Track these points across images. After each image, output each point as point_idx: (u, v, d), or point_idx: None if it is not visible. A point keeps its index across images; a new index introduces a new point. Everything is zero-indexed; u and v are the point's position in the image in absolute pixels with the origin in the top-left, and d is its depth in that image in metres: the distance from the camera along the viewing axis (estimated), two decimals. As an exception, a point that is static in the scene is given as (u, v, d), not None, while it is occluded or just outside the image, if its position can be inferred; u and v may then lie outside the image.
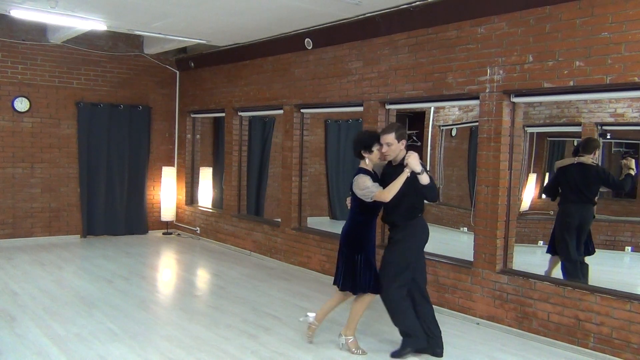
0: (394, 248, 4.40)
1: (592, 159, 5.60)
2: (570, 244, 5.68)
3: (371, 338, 4.88)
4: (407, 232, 4.36)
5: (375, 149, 4.31)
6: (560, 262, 5.80)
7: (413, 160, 4.09)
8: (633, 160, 5.80)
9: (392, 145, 4.25)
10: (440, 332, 4.48)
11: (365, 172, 4.32)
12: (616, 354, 4.39)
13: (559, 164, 5.85)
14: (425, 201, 4.40)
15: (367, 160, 4.33)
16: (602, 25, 4.42)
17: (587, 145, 5.75)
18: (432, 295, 5.71)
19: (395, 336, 4.96)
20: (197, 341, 4.66)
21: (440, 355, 4.43)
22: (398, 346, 4.46)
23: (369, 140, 4.35)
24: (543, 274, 5.65)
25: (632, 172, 5.77)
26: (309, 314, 4.68)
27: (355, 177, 4.32)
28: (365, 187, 4.24)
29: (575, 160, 5.68)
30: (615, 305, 4.41)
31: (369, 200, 4.26)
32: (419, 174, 4.09)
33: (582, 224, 5.75)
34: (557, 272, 5.83)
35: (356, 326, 4.55)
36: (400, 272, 4.32)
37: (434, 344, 4.44)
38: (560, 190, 5.82)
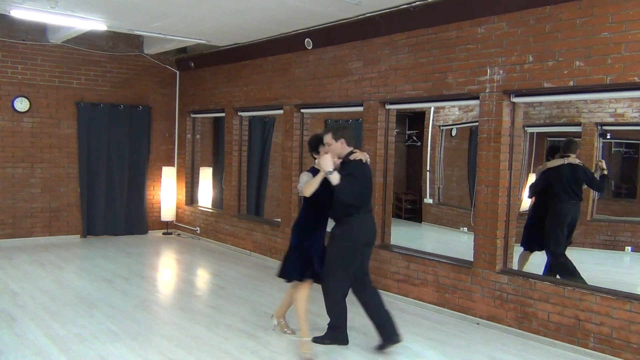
0: (331, 243, 4.54)
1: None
2: (562, 240, 5.86)
3: (368, 337, 4.88)
4: (343, 229, 4.45)
5: (320, 149, 4.51)
6: (529, 257, 6.13)
7: (323, 161, 4.24)
8: (604, 162, 6.35)
9: (331, 145, 4.40)
10: (391, 316, 4.51)
11: (311, 170, 4.58)
12: (616, 354, 4.39)
13: (550, 164, 6.00)
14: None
15: (317, 161, 4.48)
16: (602, 25, 4.42)
17: (571, 146, 6.01)
18: (432, 296, 5.73)
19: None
20: (197, 341, 4.66)
21: (400, 340, 4.47)
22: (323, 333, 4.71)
23: (316, 142, 4.61)
24: (539, 272, 5.74)
25: (605, 172, 6.21)
26: (274, 322, 4.96)
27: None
28: (299, 183, 4.57)
29: (565, 161, 5.90)
30: (615, 305, 4.41)
31: (301, 194, 4.55)
32: (329, 174, 4.21)
33: (574, 221, 6.00)
34: (528, 267, 5.95)
35: (287, 311, 4.90)
36: (337, 266, 4.44)
37: (389, 332, 4.47)
38: (549, 190, 5.96)
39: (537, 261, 6.19)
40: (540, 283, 4.89)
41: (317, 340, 4.62)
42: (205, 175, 9.83)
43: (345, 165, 4.36)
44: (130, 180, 9.50)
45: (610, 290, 4.54)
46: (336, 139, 4.40)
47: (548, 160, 6.13)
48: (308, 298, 4.54)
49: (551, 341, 4.77)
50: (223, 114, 9.03)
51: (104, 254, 8.06)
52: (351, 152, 4.41)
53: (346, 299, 4.57)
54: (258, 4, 6.00)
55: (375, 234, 4.68)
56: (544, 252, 6.06)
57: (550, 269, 5.83)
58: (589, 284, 4.78)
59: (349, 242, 4.45)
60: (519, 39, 4.98)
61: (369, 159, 4.53)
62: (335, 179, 4.20)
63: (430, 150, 10.77)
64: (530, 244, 6.14)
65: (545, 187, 6.00)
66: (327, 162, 4.22)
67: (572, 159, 5.88)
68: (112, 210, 9.34)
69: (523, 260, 6.10)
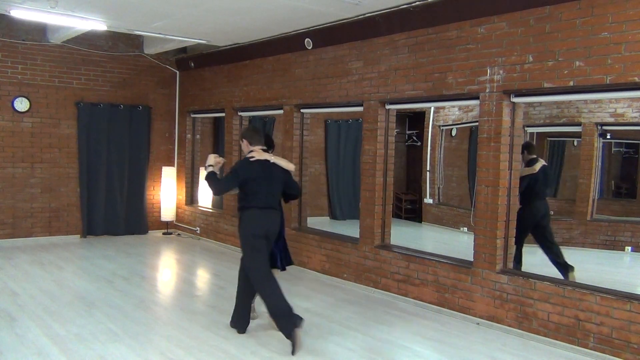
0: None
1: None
2: (527, 233, 6.33)
3: (368, 337, 4.88)
4: (239, 222, 4.83)
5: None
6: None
7: (208, 158, 4.80)
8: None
9: (241, 144, 4.93)
10: (289, 306, 4.49)
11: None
12: (616, 354, 4.39)
13: (537, 167, 6.26)
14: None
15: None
16: (602, 25, 4.42)
17: (534, 148, 6.58)
18: (432, 296, 5.74)
19: (391, 335, 4.97)
20: (197, 341, 4.66)
21: (299, 324, 4.41)
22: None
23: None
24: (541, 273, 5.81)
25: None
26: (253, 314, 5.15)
27: None
28: None
29: (542, 163, 6.36)
30: (615, 305, 4.41)
31: None
32: (206, 168, 4.78)
33: (548, 215, 6.48)
34: (526, 267, 5.96)
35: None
36: (245, 255, 4.81)
37: (287, 322, 4.42)
38: (529, 190, 6.17)
39: (537, 261, 6.19)
40: (540, 283, 4.89)
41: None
42: (205, 175, 9.80)
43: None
44: (130, 180, 9.50)
45: (610, 290, 4.54)
46: (242, 139, 4.93)
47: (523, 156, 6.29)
48: None
49: (551, 341, 4.77)
50: (223, 114, 9.03)
51: (104, 254, 8.06)
52: (251, 152, 4.79)
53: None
54: (258, 4, 6.00)
55: (274, 228, 4.78)
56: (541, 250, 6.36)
57: (516, 259, 6.01)
58: (589, 284, 4.77)
59: (242, 233, 4.77)
60: (519, 39, 4.98)
61: (274, 159, 4.78)
62: (204, 174, 4.85)
63: (430, 150, 10.78)
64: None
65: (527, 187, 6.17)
66: (209, 159, 4.79)
67: (542, 160, 6.41)
68: (112, 210, 9.34)
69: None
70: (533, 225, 6.27)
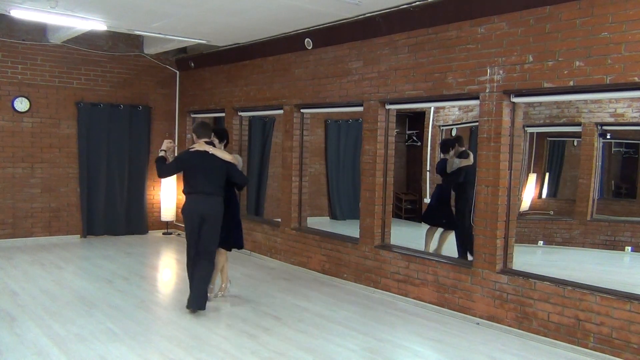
0: None
1: None
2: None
3: (368, 337, 4.88)
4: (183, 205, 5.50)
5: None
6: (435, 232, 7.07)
7: (163, 144, 5.52)
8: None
9: (192, 137, 5.55)
10: (196, 288, 5.31)
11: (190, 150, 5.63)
12: (616, 354, 4.39)
13: (472, 159, 6.64)
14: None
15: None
16: (602, 25, 4.42)
17: (463, 141, 7.35)
18: (432, 296, 5.74)
19: (391, 335, 4.97)
20: (197, 341, 4.67)
21: (190, 307, 5.33)
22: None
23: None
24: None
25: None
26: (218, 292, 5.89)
27: None
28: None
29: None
30: (615, 305, 4.41)
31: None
32: (159, 152, 5.53)
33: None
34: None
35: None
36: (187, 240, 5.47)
37: (189, 298, 5.34)
38: (465, 181, 6.69)
39: (537, 261, 6.20)
40: (540, 283, 4.89)
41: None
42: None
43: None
44: (130, 180, 9.50)
45: (610, 290, 4.54)
46: (192, 132, 5.65)
47: (447, 152, 7.03)
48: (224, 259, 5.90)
49: (551, 341, 4.77)
50: (223, 114, 9.02)
51: (104, 254, 8.06)
52: (193, 144, 5.47)
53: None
54: (258, 4, 6.00)
55: (208, 211, 5.31)
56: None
57: (462, 245, 6.62)
58: (589, 284, 4.77)
59: (183, 215, 5.42)
60: (519, 39, 4.98)
61: (212, 150, 5.37)
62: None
63: (430, 150, 10.77)
64: (436, 221, 7.22)
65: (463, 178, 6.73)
66: (164, 144, 5.53)
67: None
68: (112, 210, 9.34)
69: (431, 235, 7.15)
70: (467, 209, 6.46)
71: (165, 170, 5.44)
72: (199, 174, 5.30)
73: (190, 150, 5.40)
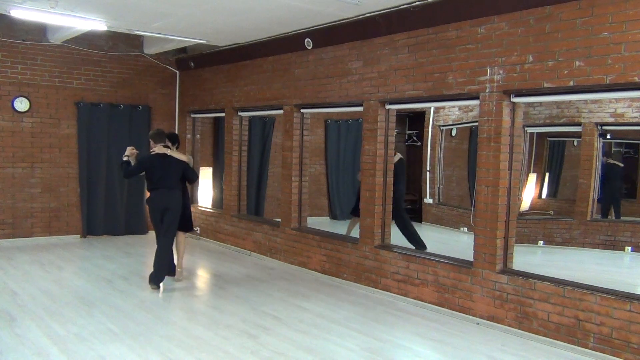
0: None
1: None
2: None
3: (368, 337, 4.89)
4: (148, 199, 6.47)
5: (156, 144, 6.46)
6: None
7: (126, 151, 6.38)
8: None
9: (150, 143, 6.44)
10: (157, 265, 6.25)
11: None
12: (616, 354, 4.39)
13: (396, 158, 7.31)
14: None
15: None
16: (602, 25, 4.42)
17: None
18: (432, 296, 5.74)
19: (391, 335, 4.97)
20: (197, 341, 4.67)
21: (152, 282, 6.24)
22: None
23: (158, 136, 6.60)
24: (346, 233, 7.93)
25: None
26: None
27: None
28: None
29: (399, 155, 7.72)
30: (615, 305, 4.41)
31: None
32: (123, 157, 6.41)
33: (403, 196, 8.37)
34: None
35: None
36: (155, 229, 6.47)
37: (154, 276, 6.27)
38: (400, 175, 7.64)
39: (537, 261, 6.20)
40: (540, 283, 4.89)
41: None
42: (205, 175, 9.83)
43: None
44: (130, 180, 9.47)
45: (610, 290, 4.54)
46: (149, 139, 6.48)
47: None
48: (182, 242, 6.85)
49: (551, 341, 4.77)
50: (223, 114, 9.02)
51: (104, 254, 8.06)
52: (153, 148, 6.33)
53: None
54: (258, 4, 6.00)
55: (170, 203, 6.26)
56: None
57: (406, 232, 7.70)
58: (589, 284, 4.77)
59: (150, 208, 6.39)
60: (519, 39, 4.98)
61: (170, 152, 6.32)
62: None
63: (430, 150, 10.77)
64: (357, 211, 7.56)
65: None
66: (127, 150, 6.37)
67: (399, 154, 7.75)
68: (112, 210, 9.33)
69: (353, 225, 7.87)
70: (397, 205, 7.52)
71: (131, 171, 6.36)
72: (160, 172, 6.25)
73: (152, 153, 6.32)
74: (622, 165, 9.08)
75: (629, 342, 4.32)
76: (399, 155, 7.62)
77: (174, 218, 6.34)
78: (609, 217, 8.86)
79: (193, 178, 6.77)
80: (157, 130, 6.64)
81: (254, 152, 9.99)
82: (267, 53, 7.94)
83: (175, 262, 6.70)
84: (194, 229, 7.55)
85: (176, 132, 7.44)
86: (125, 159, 6.36)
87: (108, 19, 7.03)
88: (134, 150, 6.46)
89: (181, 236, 6.80)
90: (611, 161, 8.93)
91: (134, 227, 9.58)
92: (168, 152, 6.36)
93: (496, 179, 5.21)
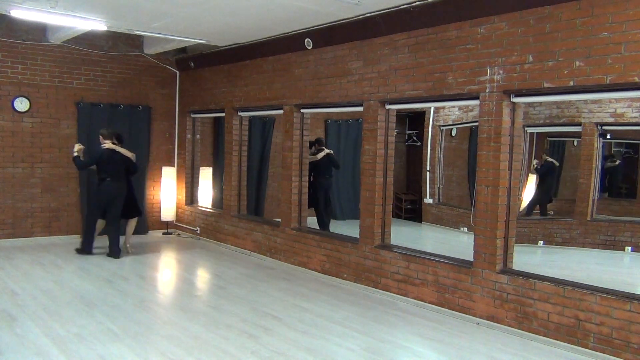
0: None
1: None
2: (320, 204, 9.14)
3: (368, 337, 4.89)
4: (96, 188, 7.77)
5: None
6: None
7: (74, 148, 7.64)
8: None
9: (100, 138, 7.69)
10: (111, 243, 7.69)
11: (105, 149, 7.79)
12: (616, 354, 4.39)
13: (320, 156, 9.03)
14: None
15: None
16: (602, 25, 4.42)
17: (323, 141, 9.31)
18: (432, 296, 5.74)
19: (391, 335, 4.97)
20: (197, 341, 4.67)
21: (112, 254, 7.71)
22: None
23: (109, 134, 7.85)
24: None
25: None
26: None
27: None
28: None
29: (327, 151, 9.15)
30: (615, 305, 4.41)
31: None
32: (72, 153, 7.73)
33: (330, 189, 9.59)
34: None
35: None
36: (90, 207, 8.04)
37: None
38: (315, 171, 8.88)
39: (537, 261, 6.20)
40: (540, 283, 4.89)
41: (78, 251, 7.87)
42: (205, 175, 9.82)
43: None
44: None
45: (610, 290, 4.54)
46: (99, 136, 7.66)
47: (314, 153, 8.88)
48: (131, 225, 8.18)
49: (551, 341, 4.77)
50: (223, 114, 9.02)
51: (104, 253, 8.05)
52: (104, 144, 7.55)
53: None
54: (258, 4, 6.00)
55: (117, 191, 7.59)
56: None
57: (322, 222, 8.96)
58: (589, 284, 4.77)
59: (98, 194, 7.63)
60: (519, 39, 4.98)
61: (117, 149, 7.53)
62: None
63: (430, 150, 10.78)
64: (313, 205, 8.77)
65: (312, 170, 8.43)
66: (74, 147, 7.60)
67: (327, 149, 9.12)
68: (112, 210, 9.31)
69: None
70: (323, 196, 9.04)
71: (84, 164, 7.57)
72: (109, 165, 7.47)
73: (102, 148, 7.50)
74: (557, 163, 9.59)
75: (629, 342, 4.32)
76: (326, 151, 9.00)
77: (119, 205, 7.65)
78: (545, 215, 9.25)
79: (135, 171, 7.97)
80: (110, 129, 7.77)
81: (253, 152, 9.99)
82: (267, 53, 7.94)
83: (122, 241, 7.95)
84: (141, 215, 8.65)
85: (119, 132, 8.01)
86: (75, 154, 7.47)
87: (108, 19, 7.03)
88: (81, 146, 7.57)
89: (132, 221, 8.15)
90: (549, 159, 9.47)
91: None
92: (117, 148, 7.52)
93: (496, 179, 5.21)
